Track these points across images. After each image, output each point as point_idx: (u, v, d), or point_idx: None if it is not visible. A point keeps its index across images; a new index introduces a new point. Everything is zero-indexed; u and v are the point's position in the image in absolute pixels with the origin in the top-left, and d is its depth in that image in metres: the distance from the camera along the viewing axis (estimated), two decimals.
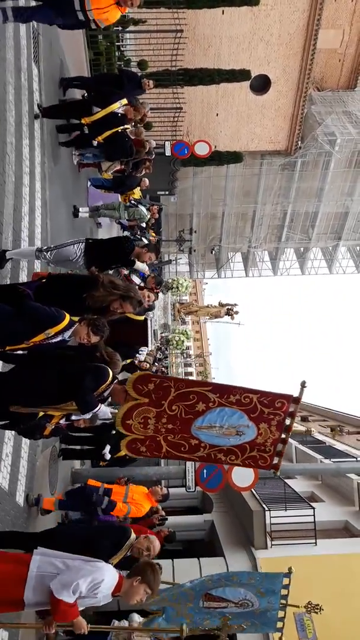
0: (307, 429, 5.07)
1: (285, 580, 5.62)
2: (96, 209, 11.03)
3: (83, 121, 8.32)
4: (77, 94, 10.07)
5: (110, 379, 4.61)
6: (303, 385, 4.34)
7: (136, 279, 9.71)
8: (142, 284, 9.85)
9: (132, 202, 11.48)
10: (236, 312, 27.99)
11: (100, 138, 8.41)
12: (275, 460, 4.48)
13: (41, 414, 4.76)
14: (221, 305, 27.50)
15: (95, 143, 8.80)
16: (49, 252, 6.02)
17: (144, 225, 13.16)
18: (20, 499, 5.72)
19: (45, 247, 6.23)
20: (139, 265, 6.74)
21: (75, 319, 4.20)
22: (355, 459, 14.94)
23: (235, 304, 27.49)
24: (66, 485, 8.19)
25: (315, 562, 9.26)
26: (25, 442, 6.10)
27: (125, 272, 9.73)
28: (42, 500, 6.50)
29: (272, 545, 9.54)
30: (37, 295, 4.37)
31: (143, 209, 11.71)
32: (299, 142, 27.68)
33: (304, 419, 29.54)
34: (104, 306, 4.62)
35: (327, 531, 10.79)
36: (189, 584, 5.56)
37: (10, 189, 6.01)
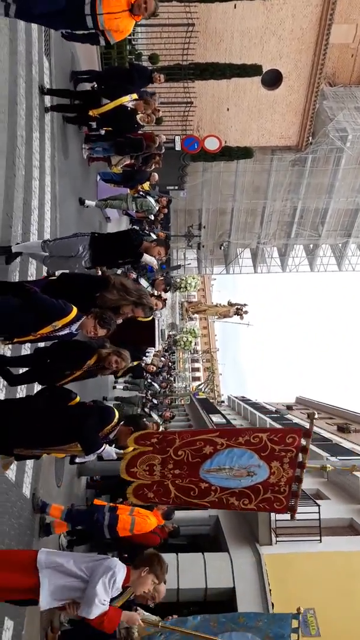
0: (322, 466, 4.85)
1: (294, 623, 5.15)
2: (104, 200, 10.95)
3: (91, 113, 8.10)
4: (87, 87, 10.06)
5: (116, 419, 4.57)
6: (312, 417, 4.26)
7: (144, 282, 9.61)
8: (151, 289, 9.77)
9: (141, 193, 11.34)
10: (245, 312, 27.75)
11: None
12: (292, 502, 4.25)
13: (44, 456, 4.74)
14: (230, 304, 27.30)
15: (103, 132, 8.74)
16: (54, 242, 5.94)
17: (152, 217, 13.03)
18: (27, 490, 5.75)
19: (52, 239, 6.15)
20: (147, 258, 6.68)
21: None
22: None
23: (245, 304, 27.26)
24: (72, 477, 8.23)
25: (320, 559, 9.27)
26: None
27: (134, 275, 9.66)
28: (50, 507, 6.38)
29: (276, 541, 9.55)
30: (45, 293, 4.34)
31: (151, 200, 11.55)
32: (310, 138, 27.50)
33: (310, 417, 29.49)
34: (114, 307, 4.60)
35: (332, 529, 10.79)
36: (192, 619, 5.24)
37: (20, 183, 6.02)
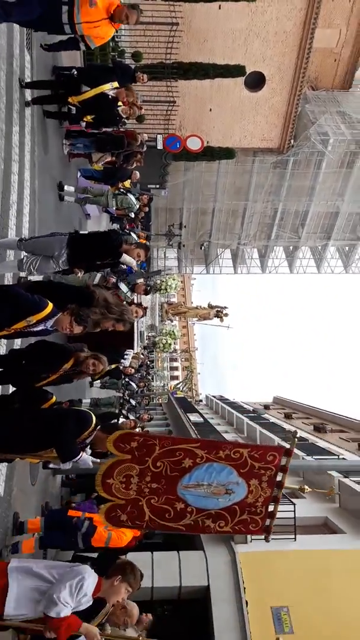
0: (300, 487, 4.67)
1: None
2: (84, 192, 10.71)
3: (70, 100, 7.85)
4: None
5: (93, 425, 4.48)
6: (294, 436, 4.22)
7: (124, 287, 9.43)
8: (130, 295, 9.58)
9: (121, 190, 11.19)
10: (226, 315, 27.69)
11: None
12: (267, 522, 4.19)
13: (17, 459, 4.62)
14: (210, 307, 27.15)
15: (83, 124, 8.47)
16: (30, 241, 5.80)
17: (132, 215, 12.94)
18: (0, 488, 5.68)
19: (28, 238, 6.01)
20: (126, 258, 6.64)
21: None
22: (337, 457, 15.10)
23: (225, 307, 27.17)
24: (47, 474, 8.16)
25: (294, 557, 9.35)
26: None
27: (113, 279, 9.55)
28: (27, 523, 6.29)
29: (251, 539, 9.61)
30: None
31: (132, 197, 11.46)
32: (292, 141, 27.74)
33: (288, 416, 29.76)
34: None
35: (307, 527, 10.90)
36: None
37: None
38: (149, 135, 12.72)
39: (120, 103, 8.40)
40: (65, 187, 9.62)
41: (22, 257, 5.81)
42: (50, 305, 3.95)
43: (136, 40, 21.70)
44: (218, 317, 27.27)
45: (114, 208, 11.27)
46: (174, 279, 26.42)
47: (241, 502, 4.06)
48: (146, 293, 8.73)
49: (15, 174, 6.61)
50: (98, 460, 4.59)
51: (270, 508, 4.12)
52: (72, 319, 4.06)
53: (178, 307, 26.40)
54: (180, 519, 4.07)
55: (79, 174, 11.14)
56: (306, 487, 4.62)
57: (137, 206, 12.03)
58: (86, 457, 4.57)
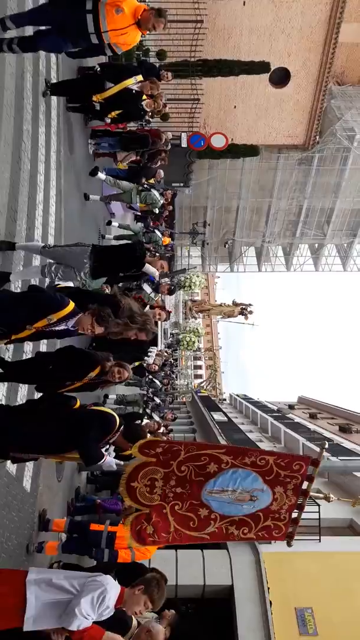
0: (325, 495, 4.56)
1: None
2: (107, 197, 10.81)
3: (94, 98, 7.74)
4: None
5: (117, 427, 4.53)
6: (323, 447, 4.17)
7: (147, 288, 9.33)
8: (154, 296, 9.53)
9: (145, 186, 11.06)
10: (250, 312, 27.21)
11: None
12: (291, 529, 4.16)
13: (41, 458, 4.65)
14: (235, 304, 26.73)
15: (108, 120, 8.45)
16: (53, 249, 5.80)
17: (156, 211, 12.87)
18: (27, 484, 5.77)
19: (52, 245, 6.02)
20: (149, 268, 6.66)
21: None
22: None
23: (250, 304, 26.65)
24: (73, 471, 8.25)
25: (319, 558, 9.27)
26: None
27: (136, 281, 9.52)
28: (52, 522, 6.32)
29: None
30: None
31: (156, 193, 11.29)
32: (317, 137, 27.40)
33: (313, 417, 29.49)
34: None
35: (332, 528, 10.79)
36: None
37: (26, 177, 6.02)
38: (173, 134, 12.73)
39: (144, 97, 8.36)
40: (91, 197, 9.79)
41: (46, 263, 5.84)
42: (72, 304, 3.96)
43: (160, 38, 21.70)
44: (243, 314, 26.86)
45: (138, 204, 11.21)
46: (198, 276, 26.08)
47: (265, 509, 4.03)
48: (170, 293, 8.60)
49: (41, 174, 6.68)
50: (122, 463, 4.58)
51: (294, 515, 4.09)
52: (94, 320, 4.06)
53: (202, 305, 26.15)
54: (204, 527, 4.05)
55: (103, 181, 11.23)
56: (331, 496, 4.55)
57: (161, 202, 11.85)
58: (110, 460, 4.57)
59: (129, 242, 7.79)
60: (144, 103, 8.34)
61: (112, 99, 7.81)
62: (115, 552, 6.26)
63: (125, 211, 12.30)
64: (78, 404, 4.73)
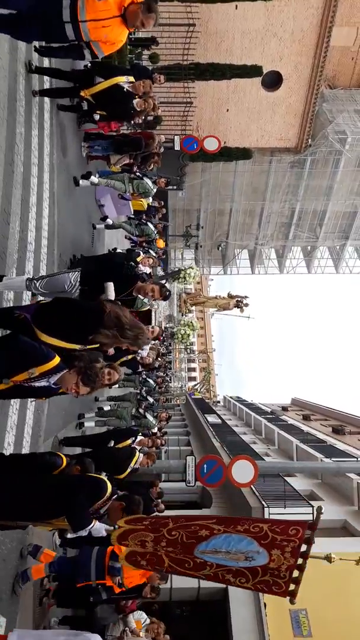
0: (327, 555, 4.32)
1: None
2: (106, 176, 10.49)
3: (83, 94, 7.17)
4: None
5: (107, 494, 4.25)
6: (319, 511, 3.98)
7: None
8: (148, 301, 9.34)
9: (138, 174, 10.54)
10: (246, 305, 26.59)
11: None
12: (292, 587, 3.92)
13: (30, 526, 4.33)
14: (230, 296, 26.04)
15: (97, 117, 8.06)
16: (40, 281, 5.38)
17: (150, 200, 12.15)
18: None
19: (37, 277, 5.62)
20: (140, 301, 6.30)
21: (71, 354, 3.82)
22: (356, 459, 14.95)
23: (246, 296, 26.00)
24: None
25: (313, 560, 9.28)
26: (28, 431, 6.14)
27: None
28: (42, 552, 5.89)
29: None
30: (37, 318, 3.96)
31: (148, 181, 10.73)
32: (309, 140, 27.58)
33: (306, 418, 29.57)
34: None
35: (326, 530, 10.82)
36: None
37: (19, 180, 6.01)
38: (166, 137, 12.71)
39: (136, 97, 7.97)
40: (81, 182, 9.35)
41: (31, 276, 5.58)
42: (57, 359, 3.62)
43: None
44: (238, 307, 26.24)
45: (129, 193, 10.67)
46: (192, 268, 25.39)
47: (263, 566, 3.87)
48: (165, 298, 8.30)
49: (34, 177, 6.68)
50: (112, 528, 4.38)
51: (295, 574, 3.88)
52: (79, 379, 3.68)
53: (196, 297, 25.68)
54: (200, 569, 3.94)
55: (96, 193, 11.18)
56: (334, 555, 4.33)
57: (154, 190, 11.33)
58: (99, 526, 4.37)
59: (120, 262, 7.26)
60: (134, 102, 7.93)
61: (102, 96, 7.24)
62: (111, 591, 5.90)
63: (118, 214, 12.25)
64: (64, 463, 4.48)
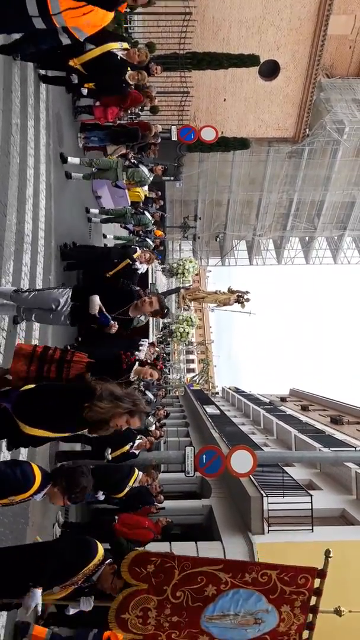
0: (336, 608, 4.18)
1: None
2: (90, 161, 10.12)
3: (71, 63, 6.49)
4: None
5: (98, 557, 3.78)
6: (327, 555, 3.90)
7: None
8: (144, 318, 8.70)
9: (132, 161, 9.93)
10: (247, 300, 26.39)
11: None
12: None
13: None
14: (231, 291, 25.74)
15: (84, 91, 7.55)
16: (28, 294, 5.13)
17: (146, 189, 11.60)
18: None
19: (26, 289, 5.45)
20: (136, 320, 5.94)
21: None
22: (354, 449, 15.03)
23: (247, 292, 25.73)
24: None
25: (311, 548, 9.34)
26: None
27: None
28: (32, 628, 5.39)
29: (269, 530, 9.64)
30: (18, 408, 3.54)
31: (144, 169, 10.17)
32: (307, 130, 27.44)
33: (304, 408, 29.68)
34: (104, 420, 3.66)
35: (324, 518, 10.90)
36: None
37: (15, 171, 5.98)
38: (163, 127, 12.61)
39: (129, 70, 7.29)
40: (69, 159, 8.79)
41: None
42: (38, 481, 3.40)
43: (149, 31, 21.59)
44: (239, 302, 25.89)
45: (124, 181, 10.03)
46: (191, 261, 24.98)
47: (272, 631, 3.75)
48: (163, 316, 7.45)
49: (31, 168, 6.65)
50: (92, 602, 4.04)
51: (305, 635, 3.82)
52: (65, 498, 3.53)
53: (196, 293, 25.34)
54: None
55: (93, 184, 11.08)
56: (343, 609, 4.20)
57: (150, 179, 10.71)
58: (84, 601, 4.03)
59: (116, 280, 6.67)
60: (127, 75, 7.28)
61: (93, 65, 6.54)
62: None
63: (116, 206, 12.16)
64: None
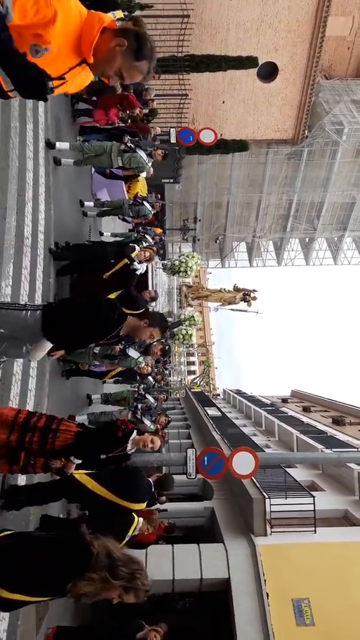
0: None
1: None
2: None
3: None
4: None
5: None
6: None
7: (134, 353, 7.78)
8: (142, 359, 8.07)
9: (130, 145, 9.00)
10: (254, 299, 25.38)
11: None
12: None
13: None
14: (237, 289, 24.71)
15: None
16: None
17: (144, 175, 10.75)
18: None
19: None
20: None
21: None
22: (356, 449, 14.99)
23: (254, 289, 24.65)
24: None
25: (314, 549, 9.33)
26: None
27: (120, 347, 7.66)
28: None
29: (271, 532, 9.61)
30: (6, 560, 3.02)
31: (142, 154, 9.15)
32: (306, 131, 27.47)
33: (306, 410, 29.64)
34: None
35: (327, 520, 10.87)
36: None
37: (14, 174, 5.99)
38: (162, 129, 12.62)
39: None
40: (57, 144, 8.22)
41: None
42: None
43: (147, 33, 21.62)
44: (245, 301, 24.94)
45: (117, 167, 9.37)
46: (193, 257, 24.01)
47: None
48: (163, 354, 6.55)
49: (30, 171, 6.65)
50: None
51: None
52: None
53: (199, 290, 24.47)
54: None
55: (92, 169, 11.09)
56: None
57: (149, 165, 9.74)
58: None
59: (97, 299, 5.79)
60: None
61: None
62: None
63: (111, 197, 11.95)
64: None
